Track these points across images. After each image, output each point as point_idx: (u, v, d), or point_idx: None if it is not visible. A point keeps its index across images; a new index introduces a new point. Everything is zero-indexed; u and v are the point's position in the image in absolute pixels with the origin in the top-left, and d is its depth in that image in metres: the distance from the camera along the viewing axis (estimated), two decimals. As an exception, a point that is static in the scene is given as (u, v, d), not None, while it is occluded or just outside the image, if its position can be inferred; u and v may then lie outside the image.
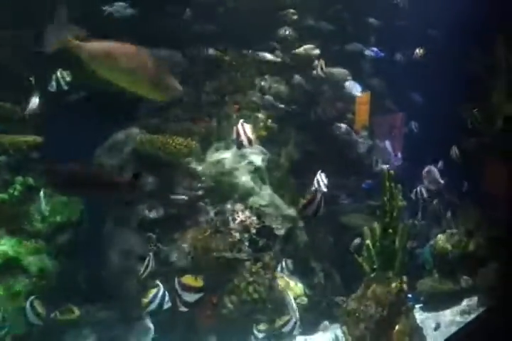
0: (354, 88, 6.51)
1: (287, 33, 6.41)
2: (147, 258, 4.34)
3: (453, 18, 6.71)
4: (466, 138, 6.82)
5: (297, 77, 6.45)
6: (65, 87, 4.96)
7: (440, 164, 6.43)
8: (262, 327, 4.72)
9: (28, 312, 4.21)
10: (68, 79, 4.96)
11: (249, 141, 4.43)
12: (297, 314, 4.43)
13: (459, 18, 6.60)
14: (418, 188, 5.98)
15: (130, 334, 4.71)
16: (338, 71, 6.64)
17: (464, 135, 6.76)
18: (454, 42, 6.79)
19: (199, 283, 3.72)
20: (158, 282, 4.18)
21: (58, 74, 4.96)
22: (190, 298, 3.69)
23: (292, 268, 5.11)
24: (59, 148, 5.06)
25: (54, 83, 4.92)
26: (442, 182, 6.11)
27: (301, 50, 6.49)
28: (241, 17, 6.31)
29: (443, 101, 6.86)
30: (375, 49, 6.87)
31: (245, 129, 4.41)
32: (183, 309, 3.72)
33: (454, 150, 6.41)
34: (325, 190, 4.70)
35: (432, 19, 7.18)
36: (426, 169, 6.18)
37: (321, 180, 4.76)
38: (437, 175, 6.10)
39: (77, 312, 4.66)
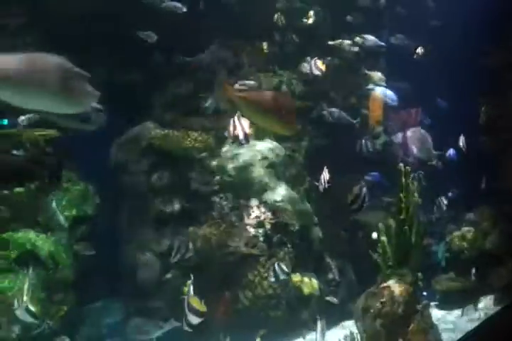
0: (386, 95, 6.48)
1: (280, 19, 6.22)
2: (177, 243, 4.31)
3: (470, 14, 6.63)
4: (480, 135, 6.76)
5: (305, 66, 6.19)
6: None
7: (452, 152, 6.38)
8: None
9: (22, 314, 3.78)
10: None
11: (245, 136, 4.35)
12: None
13: (477, 13, 6.52)
14: (416, 174, 5.70)
15: (146, 326, 4.74)
16: (374, 74, 6.53)
17: (477, 131, 6.70)
18: (471, 38, 6.70)
19: (203, 307, 3.69)
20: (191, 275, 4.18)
21: None
22: (194, 320, 3.69)
23: (289, 270, 4.80)
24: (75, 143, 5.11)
25: None
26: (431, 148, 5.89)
27: (337, 42, 6.38)
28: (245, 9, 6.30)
29: (458, 97, 6.80)
30: (368, 36, 6.51)
31: (241, 123, 4.31)
32: (188, 329, 3.72)
33: (462, 140, 6.35)
34: (327, 185, 4.81)
35: (449, 14, 7.10)
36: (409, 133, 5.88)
37: (324, 176, 4.81)
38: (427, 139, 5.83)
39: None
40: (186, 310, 3.57)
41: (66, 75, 2.28)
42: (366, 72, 6.56)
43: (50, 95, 2.27)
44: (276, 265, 4.51)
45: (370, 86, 6.73)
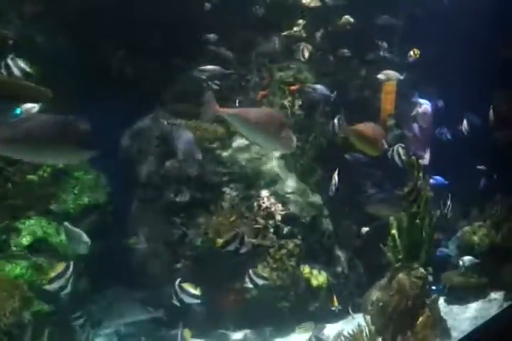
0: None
1: None
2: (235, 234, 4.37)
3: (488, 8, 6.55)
4: (495, 129, 6.71)
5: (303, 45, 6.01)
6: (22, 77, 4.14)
7: (444, 130, 6.59)
8: None
9: None
10: (25, 67, 4.19)
11: None
12: None
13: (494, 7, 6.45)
14: (395, 147, 5.21)
15: (134, 309, 4.80)
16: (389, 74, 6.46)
17: (492, 126, 6.65)
18: (487, 32, 6.60)
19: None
20: None
21: (9, 61, 4.13)
22: None
23: (266, 275, 4.73)
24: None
25: (4, 71, 4.10)
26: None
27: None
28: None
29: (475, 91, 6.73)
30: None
31: None
32: None
33: (464, 124, 6.31)
34: (334, 188, 5.16)
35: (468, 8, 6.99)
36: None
37: (334, 180, 5.14)
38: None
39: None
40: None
41: (281, 125, 3.20)
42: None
43: (271, 138, 3.20)
44: (250, 271, 4.46)
45: (415, 99, 6.90)
